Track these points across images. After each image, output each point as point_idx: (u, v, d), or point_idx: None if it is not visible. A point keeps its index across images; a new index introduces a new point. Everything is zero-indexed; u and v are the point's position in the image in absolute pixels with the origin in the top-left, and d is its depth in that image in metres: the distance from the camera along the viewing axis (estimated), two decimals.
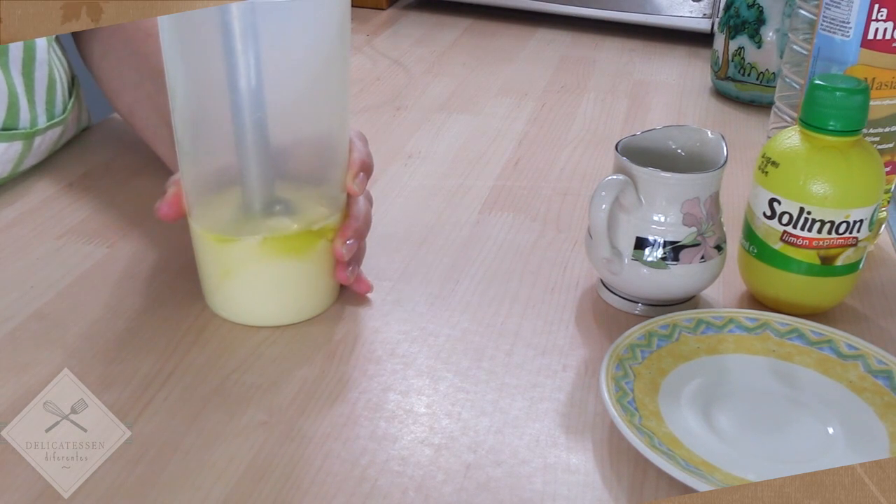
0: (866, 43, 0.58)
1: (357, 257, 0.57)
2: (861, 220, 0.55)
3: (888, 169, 0.61)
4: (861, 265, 0.58)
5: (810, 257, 0.56)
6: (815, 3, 0.61)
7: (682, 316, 0.55)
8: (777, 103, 0.66)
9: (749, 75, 0.93)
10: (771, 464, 0.46)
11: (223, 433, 0.47)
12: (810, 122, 0.55)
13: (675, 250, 0.55)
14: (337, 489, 0.44)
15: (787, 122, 0.65)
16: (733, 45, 0.93)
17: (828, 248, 0.56)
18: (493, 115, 0.89)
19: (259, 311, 0.55)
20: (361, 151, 0.56)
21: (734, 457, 0.46)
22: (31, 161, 0.71)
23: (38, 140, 0.70)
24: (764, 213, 0.57)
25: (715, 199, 0.56)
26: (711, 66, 0.97)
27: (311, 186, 0.55)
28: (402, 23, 1.17)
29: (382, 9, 1.22)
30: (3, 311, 0.55)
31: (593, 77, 1.01)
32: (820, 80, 0.55)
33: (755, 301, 0.60)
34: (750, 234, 0.58)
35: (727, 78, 0.95)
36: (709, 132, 0.59)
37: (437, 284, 0.61)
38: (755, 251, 0.58)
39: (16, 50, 0.67)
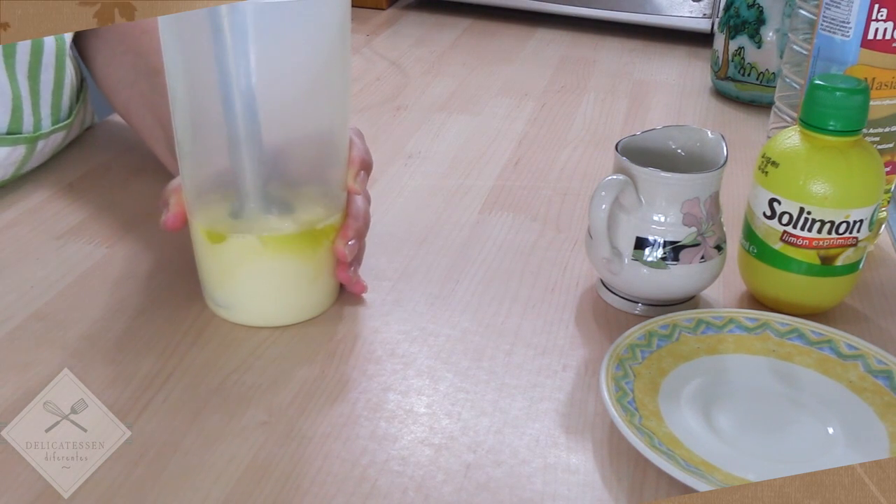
0: (866, 43, 0.58)
1: (357, 257, 0.57)
2: (861, 220, 0.55)
3: (888, 169, 0.61)
4: (861, 265, 0.58)
5: (810, 257, 0.56)
6: (815, 3, 0.61)
7: (682, 316, 0.55)
8: (777, 103, 0.66)
9: (749, 75, 0.93)
10: (771, 464, 0.46)
11: (223, 433, 0.47)
12: (810, 122, 0.55)
13: (675, 250, 0.55)
14: (337, 489, 0.44)
15: (787, 122, 0.65)
16: (733, 45, 0.93)
17: (828, 248, 0.56)
18: (493, 116, 0.89)
19: (259, 311, 0.55)
20: (360, 149, 0.56)
21: (734, 457, 0.46)
22: (33, 164, 0.70)
23: (41, 143, 0.70)
24: (764, 213, 0.57)
25: (715, 199, 0.56)
26: (711, 66, 0.97)
27: (311, 186, 0.55)
28: (402, 23, 1.17)
29: (382, 9, 1.22)
30: (3, 311, 0.55)
31: (593, 77, 1.01)
32: (820, 80, 0.55)
33: (755, 301, 0.60)
34: (750, 234, 0.58)
35: (727, 78, 0.95)
36: (709, 132, 0.59)
37: (437, 284, 0.61)
38: (755, 251, 0.58)
39: (22, 53, 0.67)
